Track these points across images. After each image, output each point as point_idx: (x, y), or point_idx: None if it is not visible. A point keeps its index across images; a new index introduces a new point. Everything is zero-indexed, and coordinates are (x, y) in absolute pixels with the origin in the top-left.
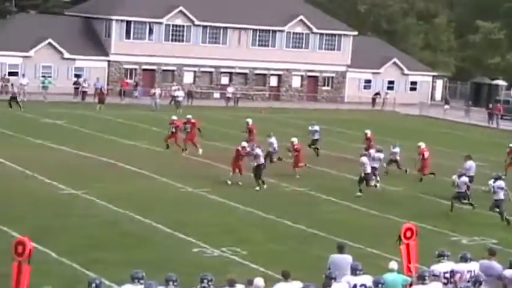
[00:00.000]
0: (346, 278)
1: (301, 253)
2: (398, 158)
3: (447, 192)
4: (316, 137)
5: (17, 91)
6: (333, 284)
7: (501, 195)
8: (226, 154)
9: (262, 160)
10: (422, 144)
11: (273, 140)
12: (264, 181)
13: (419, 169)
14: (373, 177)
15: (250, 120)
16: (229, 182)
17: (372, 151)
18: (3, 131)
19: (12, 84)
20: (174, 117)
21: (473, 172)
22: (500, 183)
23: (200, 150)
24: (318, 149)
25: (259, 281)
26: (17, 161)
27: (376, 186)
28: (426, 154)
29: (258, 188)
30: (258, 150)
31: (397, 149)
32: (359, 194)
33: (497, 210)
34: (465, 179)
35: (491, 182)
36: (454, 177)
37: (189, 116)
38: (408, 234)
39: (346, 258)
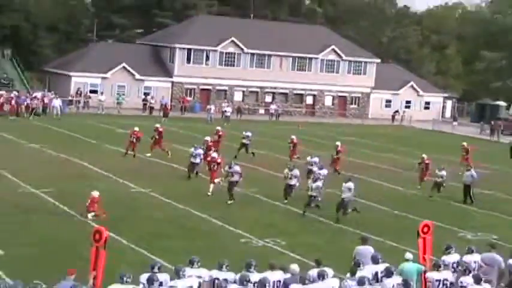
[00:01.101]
0: (368, 266)
1: (333, 244)
2: (315, 168)
3: (455, 196)
4: (246, 142)
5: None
6: (358, 270)
7: (349, 194)
8: (270, 161)
9: (237, 178)
10: (339, 144)
11: (200, 151)
12: (232, 195)
13: (331, 164)
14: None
15: (219, 128)
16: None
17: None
18: (86, 139)
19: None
20: (136, 128)
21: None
22: (349, 184)
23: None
24: (253, 153)
25: (295, 266)
26: (97, 165)
27: (286, 199)
28: (340, 153)
29: (230, 202)
30: (237, 168)
31: (315, 159)
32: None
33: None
34: (319, 184)
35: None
36: (309, 181)
37: (157, 125)
38: (425, 229)
39: (369, 249)
